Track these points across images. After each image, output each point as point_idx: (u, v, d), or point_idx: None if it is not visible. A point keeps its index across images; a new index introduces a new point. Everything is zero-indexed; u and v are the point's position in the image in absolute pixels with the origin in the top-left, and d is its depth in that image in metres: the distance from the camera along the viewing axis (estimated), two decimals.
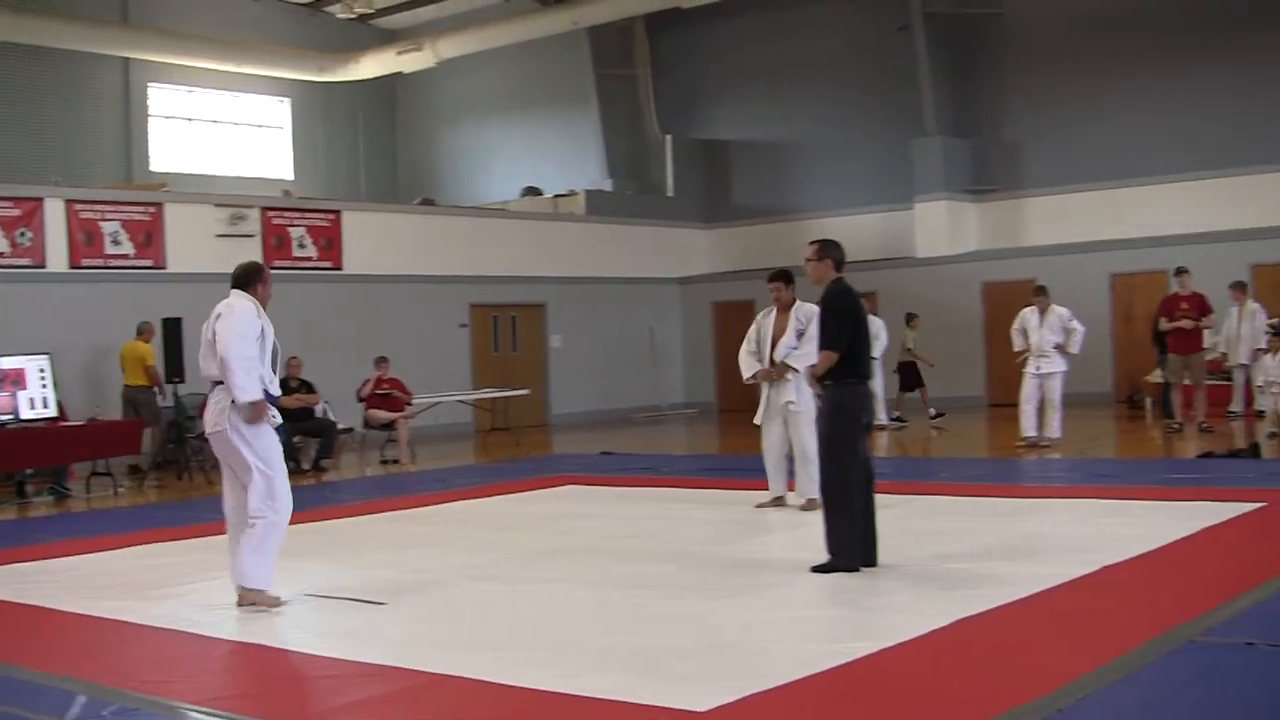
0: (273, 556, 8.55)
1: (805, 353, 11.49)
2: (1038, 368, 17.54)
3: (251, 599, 8.46)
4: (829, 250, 9.48)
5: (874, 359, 15.69)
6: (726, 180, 31.38)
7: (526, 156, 33.13)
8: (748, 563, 9.61)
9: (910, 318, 23.02)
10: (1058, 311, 17.63)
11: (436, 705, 6.19)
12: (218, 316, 8.61)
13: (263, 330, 8.63)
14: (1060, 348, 17.55)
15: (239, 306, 8.64)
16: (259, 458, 8.55)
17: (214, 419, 8.60)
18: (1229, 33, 24.53)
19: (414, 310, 25.12)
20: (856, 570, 8.79)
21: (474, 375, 26.18)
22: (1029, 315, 17.79)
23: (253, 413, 8.48)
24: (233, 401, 8.46)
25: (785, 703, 5.82)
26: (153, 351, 19.03)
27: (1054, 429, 17.57)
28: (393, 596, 8.72)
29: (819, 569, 8.84)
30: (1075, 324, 17.57)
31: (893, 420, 22.12)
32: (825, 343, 9.24)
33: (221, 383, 8.53)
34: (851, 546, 8.84)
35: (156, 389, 18.98)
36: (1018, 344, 17.94)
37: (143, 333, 19.24)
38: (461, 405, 24.29)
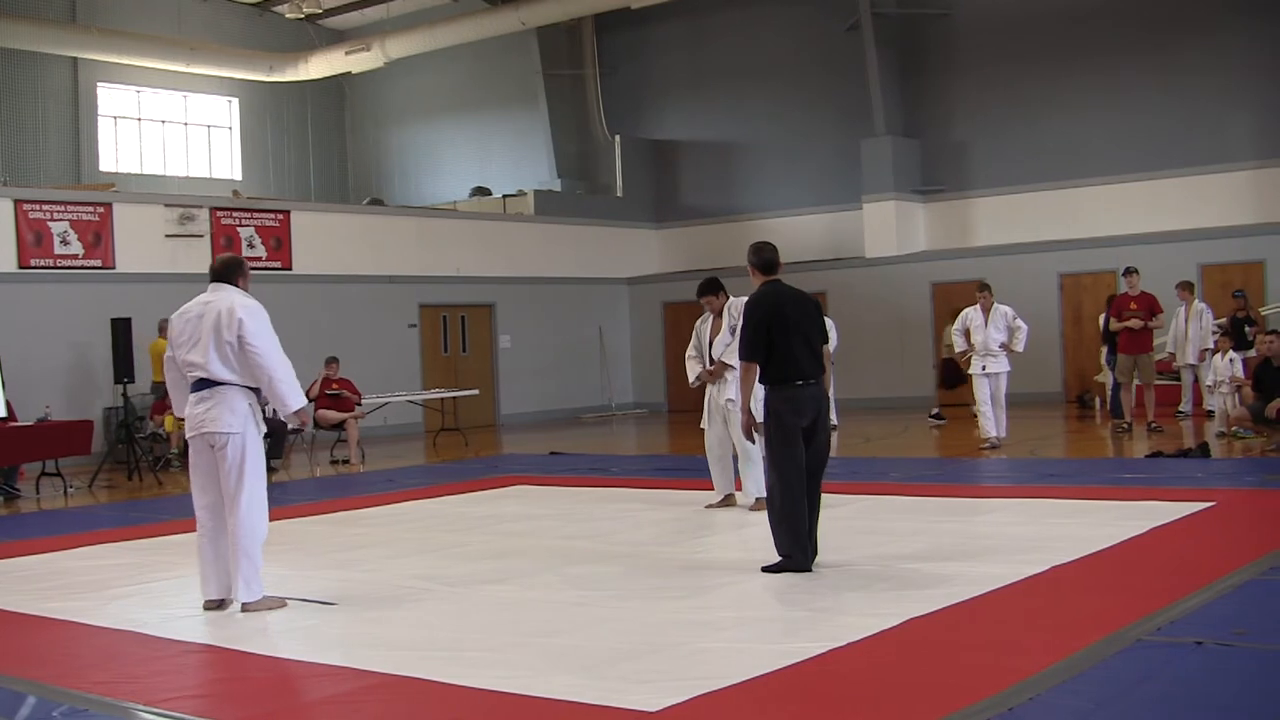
0: (261, 562, 8.41)
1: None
2: (984, 367, 17.61)
3: (257, 608, 8.30)
4: (751, 255, 9.49)
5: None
6: (675, 180, 31.40)
7: (475, 157, 33.13)
8: (697, 563, 9.61)
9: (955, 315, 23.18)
10: (1001, 309, 17.71)
11: (387, 706, 6.16)
12: (239, 321, 8.28)
13: None
14: (1005, 346, 17.63)
15: (257, 307, 8.48)
16: (262, 465, 8.50)
17: (230, 421, 8.32)
18: (1177, 34, 24.73)
19: (363, 310, 25.05)
20: (808, 570, 8.79)
21: (423, 375, 26.14)
22: (972, 315, 17.84)
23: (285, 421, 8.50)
24: (263, 405, 8.41)
25: (735, 703, 5.82)
26: None
27: (1001, 428, 17.66)
28: (343, 597, 8.69)
29: (769, 569, 8.86)
30: (1019, 322, 17.67)
31: (932, 417, 22.45)
32: (739, 352, 9.25)
33: (219, 383, 8.32)
34: (801, 546, 8.83)
35: None
36: (959, 345, 18.00)
37: (163, 330, 19.27)
38: (411, 405, 24.25)
